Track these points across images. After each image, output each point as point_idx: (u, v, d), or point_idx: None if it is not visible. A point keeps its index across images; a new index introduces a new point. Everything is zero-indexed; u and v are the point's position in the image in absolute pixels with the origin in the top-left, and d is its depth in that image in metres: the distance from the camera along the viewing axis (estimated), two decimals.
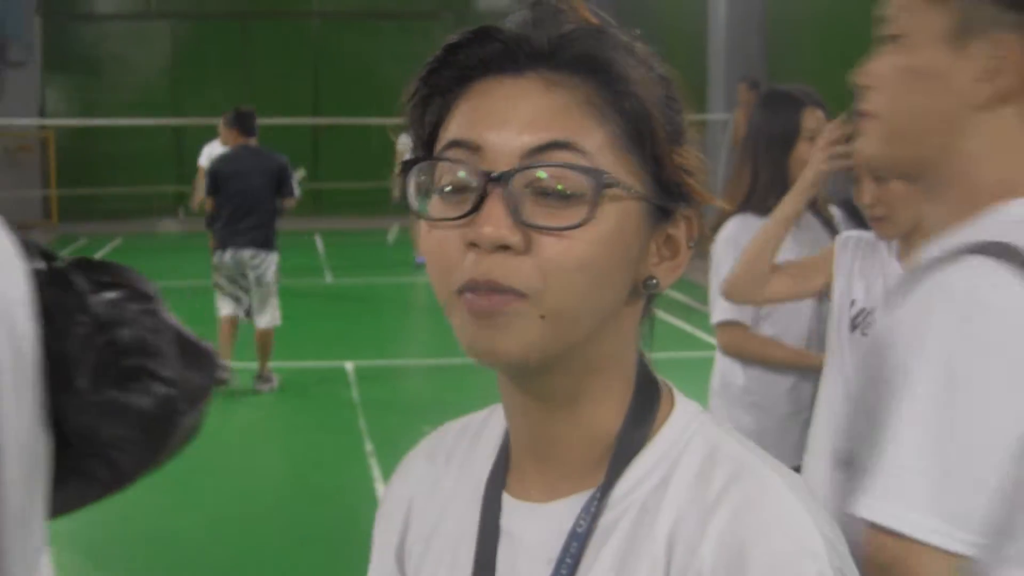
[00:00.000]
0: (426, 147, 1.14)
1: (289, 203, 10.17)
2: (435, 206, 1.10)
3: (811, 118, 3.86)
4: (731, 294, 3.56)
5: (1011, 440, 1.43)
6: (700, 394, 4.39)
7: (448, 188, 1.09)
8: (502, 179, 1.05)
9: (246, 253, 9.74)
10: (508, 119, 1.07)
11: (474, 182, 1.06)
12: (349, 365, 10.80)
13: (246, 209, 9.75)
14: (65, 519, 6.03)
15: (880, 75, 1.67)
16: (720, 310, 3.97)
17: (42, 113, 26.12)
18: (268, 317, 9.87)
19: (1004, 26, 1.57)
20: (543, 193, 1.06)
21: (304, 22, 26.94)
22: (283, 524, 6.84)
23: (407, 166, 1.12)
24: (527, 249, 1.05)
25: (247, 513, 7.10)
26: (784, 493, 1.08)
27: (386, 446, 7.83)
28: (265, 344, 9.91)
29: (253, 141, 10.21)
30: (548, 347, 1.07)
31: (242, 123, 10.22)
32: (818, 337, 3.80)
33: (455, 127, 1.10)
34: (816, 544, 1.04)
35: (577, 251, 1.05)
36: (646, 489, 1.11)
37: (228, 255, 9.79)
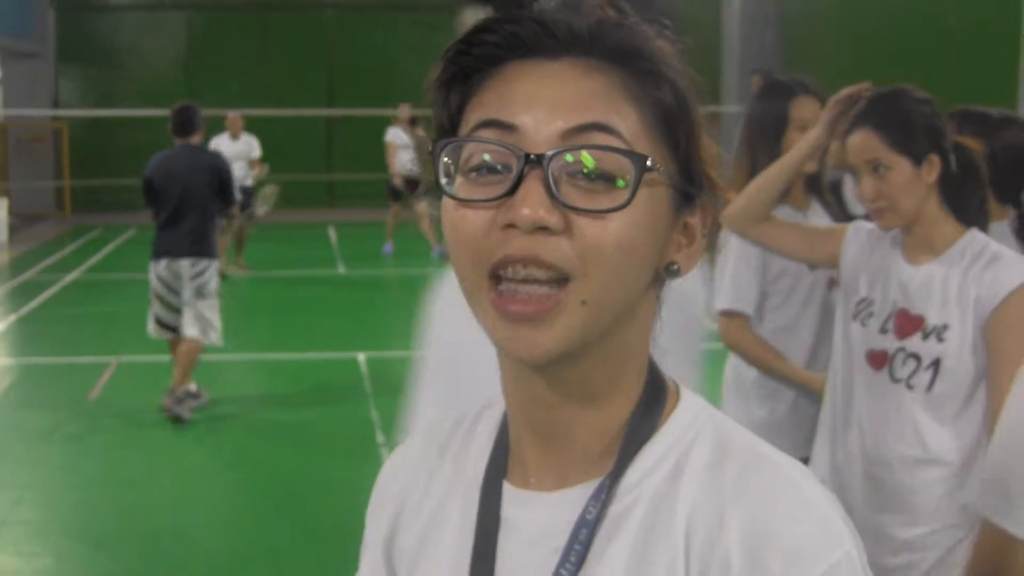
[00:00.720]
0: (448, 130, 1.13)
1: (234, 213, 9.37)
2: (461, 187, 1.08)
3: (802, 107, 3.89)
4: (728, 219, 3.55)
5: None
6: (713, 386, 4.38)
7: (478, 168, 1.07)
8: (541, 160, 1.04)
9: (184, 263, 8.91)
10: (545, 100, 1.07)
11: (511, 163, 1.05)
12: (361, 356, 10.81)
13: (183, 212, 8.94)
14: (72, 512, 6.04)
15: None
16: (722, 299, 3.98)
17: (55, 104, 26.17)
18: (201, 328, 8.91)
19: None
20: (581, 175, 1.05)
21: (319, 14, 26.97)
22: (293, 517, 6.83)
23: (439, 145, 1.10)
24: (564, 231, 1.04)
25: (257, 506, 7.10)
26: (802, 481, 1.08)
27: (398, 438, 7.81)
28: (189, 357, 8.86)
29: (195, 140, 9.24)
30: (586, 334, 1.06)
31: (175, 122, 9.20)
32: (818, 355, 3.79)
33: (488, 107, 1.09)
34: (838, 529, 1.05)
35: (614, 233, 1.04)
36: (658, 479, 1.10)
37: (163, 266, 8.94)
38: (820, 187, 3.98)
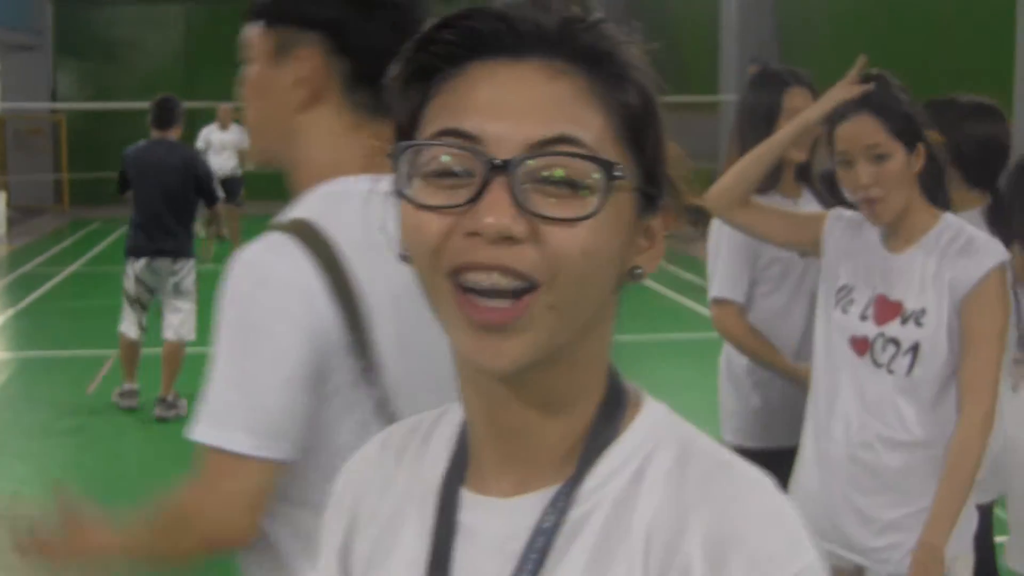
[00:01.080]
0: (407, 130, 1.09)
1: (218, 210, 9.38)
2: (421, 190, 1.05)
3: (794, 98, 3.87)
4: (710, 199, 3.54)
5: (295, 374, 1.85)
6: (708, 374, 4.37)
7: (438, 172, 1.04)
8: (507, 167, 1.00)
9: (165, 262, 8.74)
10: (509, 108, 1.03)
11: (474, 168, 1.02)
12: None
13: (160, 209, 8.74)
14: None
15: (243, 89, 2.12)
16: (714, 286, 4.00)
17: (54, 97, 26.15)
18: (183, 329, 8.71)
19: (306, 43, 2.03)
20: (548, 182, 1.01)
21: None
22: None
23: (400, 148, 1.06)
24: (530, 239, 1.01)
25: None
26: (766, 488, 1.07)
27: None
28: (174, 361, 8.68)
29: (173, 134, 8.99)
30: (552, 342, 1.04)
31: (155, 114, 9.01)
32: (809, 342, 3.80)
33: (449, 113, 1.05)
34: (803, 538, 1.04)
35: (581, 239, 1.02)
36: (618, 484, 1.08)
37: (141, 265, 8.77)
38: (811, 176, 3.98)
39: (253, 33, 2.11)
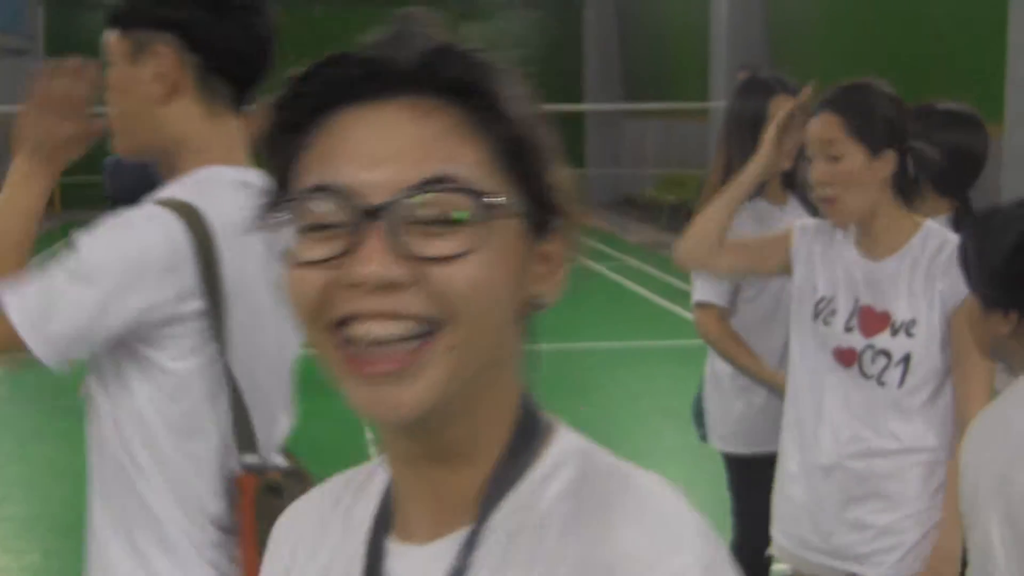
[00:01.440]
0: (281, 185, 1.07)
1: None
2: (297, 247, 1.02)
3: (780, 105, 3.87)
4: (680, 257, 3.53)
5: (114, 320, 2.12)
6: (695, 380, 4.37)
7: (311, 226, 1.01)
8: (379, 212, 0.98)
9: None
10: (378, 155, 1.00)
11: (347, 218, 0.99)
12: None
13: None
14: (61, 508, 6.05)
15: (107, 92, 2.37)
16: (696, 290, 4.01)
17: None
18: None
19: (160, 42, 2.26)
20: (425, 222, 0.99)
21: (307, 9, 26.92)
22: None
23: (269, 206, 1.05)
24: (416, 282, 0.99)
25: None
26: (654, 493, 1.05)
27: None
28: None
29: None
30: (453, 384, 1.01)
31: None
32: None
33: (320, 167, 1.02)
34: (688, 539, 1.02)
35: (467, 274, 0.99)
36: (517, 518, 1.06)
37: None
38: (797, 183, 4.00)
39: (111, 39, 2.32)
